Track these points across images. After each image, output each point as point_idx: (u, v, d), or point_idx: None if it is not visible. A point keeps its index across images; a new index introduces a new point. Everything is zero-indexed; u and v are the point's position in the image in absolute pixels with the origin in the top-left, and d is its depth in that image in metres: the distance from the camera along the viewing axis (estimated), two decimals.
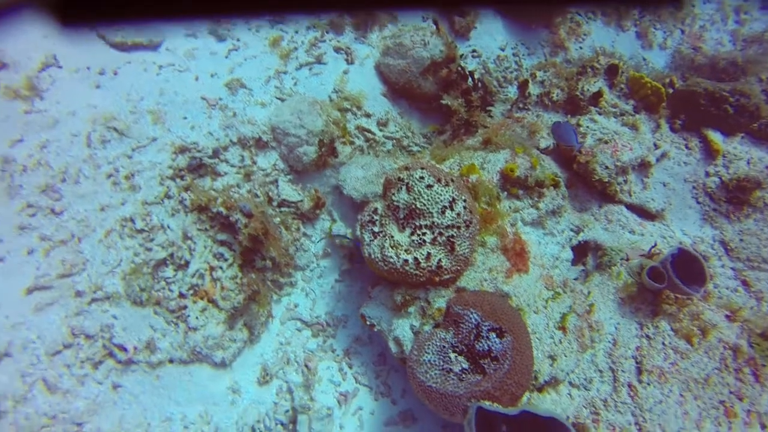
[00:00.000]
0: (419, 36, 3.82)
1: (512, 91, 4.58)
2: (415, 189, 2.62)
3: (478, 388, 2.22)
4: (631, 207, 3.41)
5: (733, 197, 3.30)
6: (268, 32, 3.87)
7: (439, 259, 2.57)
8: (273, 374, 2.78)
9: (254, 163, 3.29)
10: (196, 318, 2.64)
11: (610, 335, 2.86)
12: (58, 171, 2.86)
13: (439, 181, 2.62)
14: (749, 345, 2.86)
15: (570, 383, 2.73)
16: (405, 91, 4.03)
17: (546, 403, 2.63)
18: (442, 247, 2.58)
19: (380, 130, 3.86)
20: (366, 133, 3.79)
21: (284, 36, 3.89)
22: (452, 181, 2.67)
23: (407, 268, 2.56)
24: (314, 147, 3.28)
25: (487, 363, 2.27)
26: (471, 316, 2.35)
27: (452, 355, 2.36)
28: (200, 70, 3.50)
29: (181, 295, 2.70)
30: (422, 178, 2.62)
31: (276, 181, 3.30)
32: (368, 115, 3.87)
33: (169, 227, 2.87)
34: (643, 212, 3.41)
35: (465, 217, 2.60)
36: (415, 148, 3.94)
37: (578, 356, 2.76)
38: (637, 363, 2.78)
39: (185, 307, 2.66)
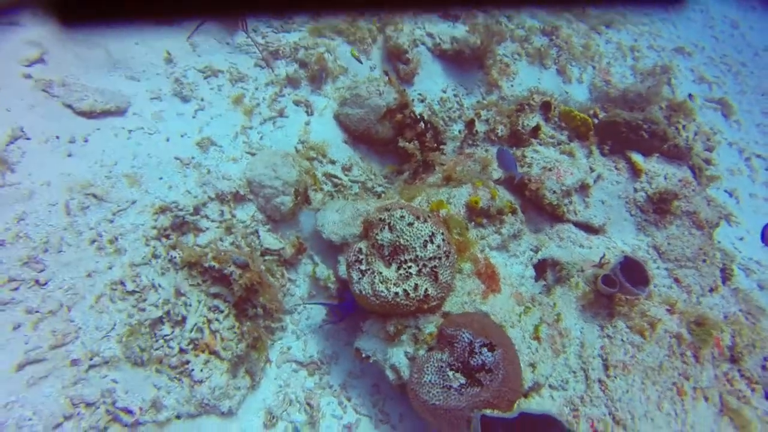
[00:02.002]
0: (374, 86, 4.18)
1: (457, 129, 5.05)
2: (397, 227, 2.89)
3: (479, 399, 2.46)
4: (577, 224, 3.87)
5: (657, 208, 3.85)
6: (230, 90, 4.07)
7: (426, 289, 2.83)
8: (278, 416, 2.86)
9: (233, 216, 3.43)
10: (201, 370, 2.70)
11: (577, 339, 3.22)
12: (39, 242, 2.86)
13: (418, 218, 2.91)
14: (688, 332, 3.33)
15: (550, 386, 3.04)
16: (364, 137, 4.35)
17: (533, 406, 2.91)
18: (427, 277, 2.85)
19: (345, 175, 4.13)
20: (333, 179, 4.04)
21: (245, 93, 4.10)
22: (429, 217, 2.97)
23: (398, 299, 2.80)
24: (290, 196, 3.48)
25: (482, 376, 2.53)
26: (463, 335, 2.61)
27: (450, 373, 2.60)
28: (170, 131, 3.62)
29: (182, 351, 2.75)
30: (403, 217, 2.90)
31: (256, 231, 3.45)
32: (333, 162, 4.14)
33: (160, 286, 2.93)
34: (588, 228, 3.89)
35: (444, 249, 2.90)
36: (379, 189, 4.23)
37: (553, 361, 3.09)
38: (603, 360, 3.14)
39: (188, 362, 2.71)
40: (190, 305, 2.85)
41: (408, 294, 2.80)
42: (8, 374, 2.46)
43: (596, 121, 4.22)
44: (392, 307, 2.84)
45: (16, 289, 2.72)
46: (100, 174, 3.21)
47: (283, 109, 4.15)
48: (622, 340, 3.20)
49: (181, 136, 3.63)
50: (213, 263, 2.86)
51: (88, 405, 2.52)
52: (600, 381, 3.07)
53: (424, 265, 2.85)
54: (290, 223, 3.62)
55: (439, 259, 2.87)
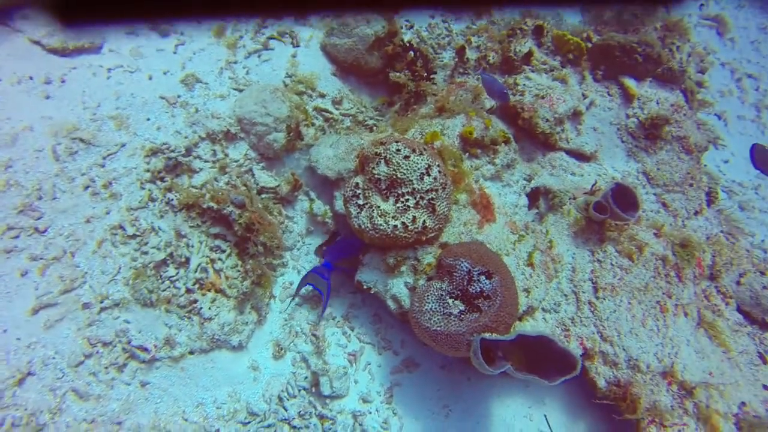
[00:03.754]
0: (365, 19, 3.98)
1: (447, 57, 4.90)
2: (394, 161, 2.89)
3: (478, 324, 2.61)
4: (569, 152, 3.90)
5: (648, 134, 3.88)
6: (211, 23, 3.86)
7: (424, 221, 2.89)
8: (285, 348, 3.01)
9: (226, 155, 3.39)
10: (209, 308, 2.79)
11: (569, 264, 3.37)
12: (32, 189, 2.82)
13: (414, 151, 2.90)
14: (673, 254, 3.49)
15: (543, 309, 3.21)
16: (353, 68, 4.22)
17: (527, 329, 3.10)
18: (425, 210, 2.90)
19: (336, 109, 4.04)
20: (324, 113, 3.96)
21: (227, 25, 3.90)
22: (425, 149, 2.97)
23: (397, 232, 2.86)
24: (283, 133, 3.43)
25: (481, 302, 2.66)
26: (462, 264, 2.71)
27: (450, 301, 2.72)
28: (151, 68, 3.47)
29: (189, 290, 2.83)
30: (399, 150, 2.90)
31: (250, 170, 3.42)
32: (323, 95, 4.04)
33: (160, 229, 2.95)
34: (580, 155, 3.92)
35: (441, 180, 2.92)
36: (371, 122, 4.17)
37: (546, 286, 3.24)
38: (593, 283, 3.31)
39: (195, 301, 2.80)
40: (192, 246, 2.89)
41: (406, 226, 2.86)
42: (25, 318, 2.53)
43: (590, 44, 4.12)
44: (391, 240, 2.91)
45: (16, 237, 2.72)
46: (84, 117, 3.11)
47: (267, 41, 3.97)
48: (611, 263, 3.35)
49: (164, 73, 3.49)
50: (211, 204, 2.87)
51: (105, 344, 2.62)
52: (590, 303, 3.25)
53: (422, 198, 2.89)
54: (284, 160, 3.59)
55: (436, 191, 2.90)
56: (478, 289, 2.67)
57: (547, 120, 3.74)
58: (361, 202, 2.98)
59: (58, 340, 2.55)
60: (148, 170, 3.07)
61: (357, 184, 3.04)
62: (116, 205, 2.94)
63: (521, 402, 3.26)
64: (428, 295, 2.75)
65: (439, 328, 2.67)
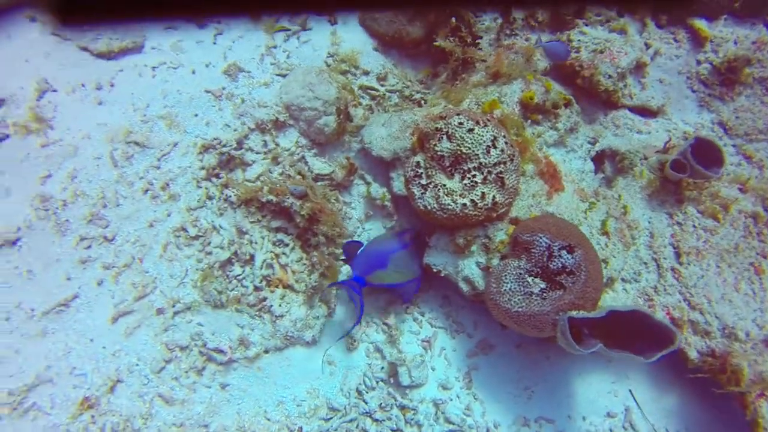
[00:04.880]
0: None
1: (488, 19, 4.61)
2: (457, 135, 2.73)
3: (563, 302, 2.46)
4: (633, 109, 3.63)
5: (725, 79, 3.55)
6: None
7: (493, 196, 2.73)
8: (358, 339, 2.95)
9: (277, 145, 3.29)
10: (279, 305, 2.74)
11: (646, 230, 3.15)
12: (97, 198, 2.81)
13: (477, 123, 2.73)
14: (764, 209, 3.21)
15: (622, 280, 3.02)
16: (394, 41, 4.01)
17: (607, 302, 2.92)
18: (494, 184, 2.73)
19: (382, 86, 3.87)
20: (370, 90, 3.80)
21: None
22: (488, 120, 2.78)
23: (466, 211, 2.71)
24: (333, 116, 3.29)
25: (564, 278, 2.50)
26: (541, 240, 2.55)
27: (530, 279, 2.57)
28: (193, 62, 3.38)
29: (257, 288, 2.78)
30: (461, 123, 2.72)
31: (303, 157, 3.32)
32: (366, 73, 3.87)
33: (221, 227, 2.90)
34: (646, 111, 3.64)
35: (508, 152, 2.74)
36: (418, 96, 3.98)
37: (624, 255, 3.04)
38: (674, 248, 3.08)
39: (265, 299, 2.75)
40: (255, 242, 2.83)
41: (476, 204, 2.71)
42: (107, 327, 2.55)
43: None
44: (460, 219, 2.77)
45: (89, 247, 2.72)
46: (135, 119, 3.06)
47: (304, 20, 3.81)
48: (693, 225, 3.11)
49: (206, 65, 3.39)
50: (271, 197, 2.79)
51: (183, 348, 2.62)
52: (673, 269, 3.04)
53: (489, 172, 2.72)
54: (335, 144, 3.47)
55: (504, 163, 2.73)
56: (560, 265, 2.51)
57: (610, 76, 3.47)
58: (424, 181, 2.84)
59: (138, 347, 2.56)
60: (202, 167, 3.01)
61: (418, 163, 2.90)
62: (176, 207, 2.91)
63: (604, 378, 3.12)
64: (506, 275, 2.61)
65: (520, 309, 2.53)
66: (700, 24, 3.59)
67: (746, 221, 3.13)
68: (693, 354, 2.88)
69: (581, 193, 3.17)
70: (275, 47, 3.66)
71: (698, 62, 3.61)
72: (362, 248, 2.90)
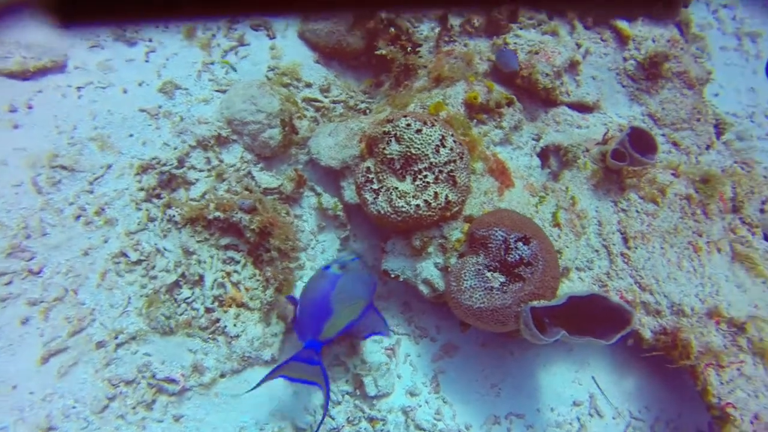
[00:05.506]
0: None
1: (426, 29, 4.71)
2: (405, 137, 2.71)
3: (524, 293, 2.46)
4: (571, 105, 3.77)
5: (649, 74, 3.77)
6: (179, 26, 3.60)
7: (446, 195, 2.72)
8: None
9: (221, 161, 3.16)
10: (234, 325, 2.59)
11: (594, 218, 3.24)
12: (18, 228, 2.56)
13: (425, 123, 2.73)
14: (695, 191, 3.40)
15: (577, 269, 3.08)
16: (335, 52, 4.00)
17: (564, 290, 2.97)
18: (446, 183, 2.73)
19: (326, 97, 3.84)
20: (314, 102, 3.75)
21: (197, 25, 3.64)
22: (435, 120, 2.79)
23: (420, 212, 2.69)
24: (278, 128, 3.21)
25: (522, 270, 2.51)
26: (497, 233, 2.55)
27: (489, 274, 2.57)
28: (124, 81, 3.21)
29: (208, 310, 2.62)
30: (409, 125, 2.71)
31: (249, 172, 3.20)
32: (309, 85, 3.82)
33: (166, 249, 2.72)
34: (583, 107, 3.79)
35: (458, 150, 2.76)
36: (363, 105, 3.97)
37: (576, 244, 3.11)
38: (622, 234, 3.19)
39: (218, 320, 2.59)
40: (204, 262, 2.67)
41: (429, 204, 2.69)
42: (35, 369, 2.30)
43: None
44: (415, 221, 2.74)
45: (9, 283, 2.46)
46: (61, 142, 2.85)
47: (242, 35, 3.73)
48: (636, 211, 3.23)
49: (139, 84, 3.23)
50: (218, 213, 2.65)
51: (128, 383, 2.41)
52: (622, 254, 3.13)
53: (440, 171, 2.72)
54: (282, 157, 3.38)
55: (454, 162, 2.74)
56: (518, 257, 2.52)
57: (547, 74, 3.59)
58: (376, 186, 2.79)
59: (75, 387, 2.33)
60: (141, 189, 2.83)
61: (368, 168, 2.85)
62: (114, 232, 2.71)
63: (567, 368, 3.15)
64: (465, 272, 2.59)
65: (482, 305, 2.51)
66: (622, 25, 3.81)
67: (681, 203, 3.29)
68: (647, 334, 2.96)
69: (531, 187, 3.23)
70: (212, 63, 3.55)
71: (624, 59, 3.82)
72: (297, 307, 2.50)
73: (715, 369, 2.82)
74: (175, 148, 3.02)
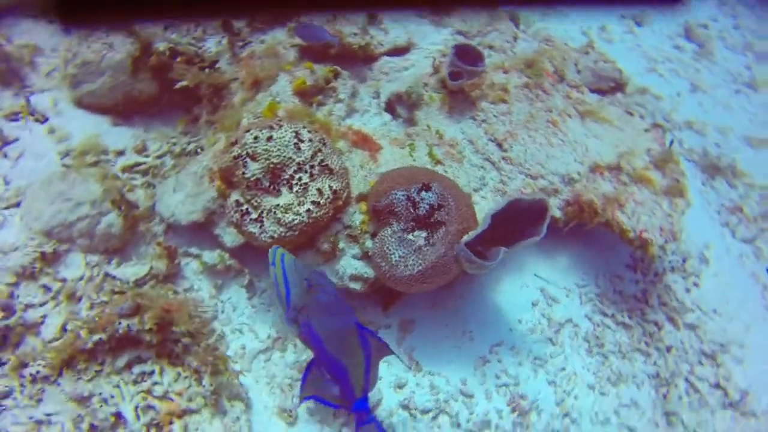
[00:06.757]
0: (97, 44, 3.24)
1: (212, 43, 4.34)
2: (260, 150, 2.44)
3: (450, 235, 2.39)
4: (389, 53, 3.78)
5: None
6: None
7: (329, 186, 2.52)
8: (292, 407, 2.49)
9: (63, 280, 2.57)
10: None
11: (465, 140, 3.30)
12: None
13: (272, 128, 2.47)
14: (527, 77, 3.64)
15: (474, 190, 3.12)
16: (129, 105, 3.47)
17: (480, 215, 2.98)
18: (323, 175, 2.52)
19: (146, 156, 3.34)
20: (137, 168, 3.24)
21: None
22: (280, 121, 2.54)
23: (314, 215, 2.46)
24: (113, 212, 2.69)
25: (438, 215, 2.43)
26: (397, 195, 2.43)
27: (410, 237, 2.45)
28: None
29: None
30: (257, 137, 2.44)
31: (106, 274, 2.66)
32: (121, 152, 3.29)
33: (50, 414, 2.14)
34: (399, 50, 3.83)
35: (317, 138, 2.56)
36: (192, 146, 3.54)
37: (463, 170, 3.14)
38: (494, 142, 3.30)
39: None
40: (112, 396, 2.15)
41: (318, 203, 2.47)
42: None
43: None
44: (313, 227, 2.50)
45: None
46: None
47: (8, 136, 3.04)
48: (494, 116, 3.36)
49: None
50: (97, 336, 2.14)
51: None
52: (503, 158, 3.25)
53: (312, 167, 2.50)
54: (135, 240, 2.86)
55: (320, 150, 2.54)
56: (427, 206, 2.44)
57: (355, 34, 3.53)
58: (254, 215, 2.49)
59: None
60: None
61: (237, 201, 2.52)
62: None
63: (511, 279, 3.22)
64: (387, 247, 2.44)
65: (421, 267, 2.40)
66: None
67: (524, 92, 3.50)
68: (557, 213, 3.13)
69: (396, 141, 3.16)
70: None
71: None
72: (318, 347, 2.04)
73: (621, 210, 3.08)
74: None
